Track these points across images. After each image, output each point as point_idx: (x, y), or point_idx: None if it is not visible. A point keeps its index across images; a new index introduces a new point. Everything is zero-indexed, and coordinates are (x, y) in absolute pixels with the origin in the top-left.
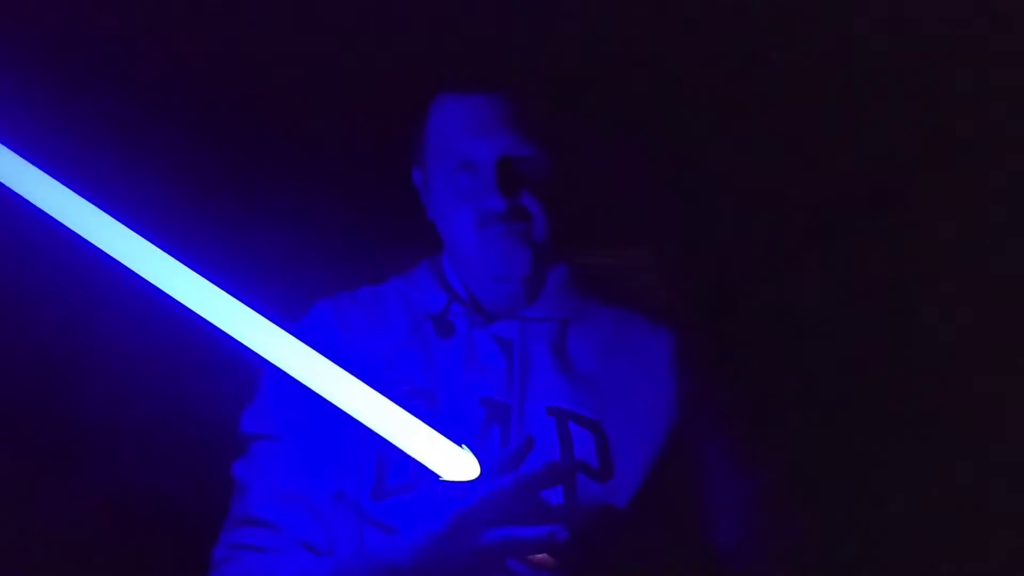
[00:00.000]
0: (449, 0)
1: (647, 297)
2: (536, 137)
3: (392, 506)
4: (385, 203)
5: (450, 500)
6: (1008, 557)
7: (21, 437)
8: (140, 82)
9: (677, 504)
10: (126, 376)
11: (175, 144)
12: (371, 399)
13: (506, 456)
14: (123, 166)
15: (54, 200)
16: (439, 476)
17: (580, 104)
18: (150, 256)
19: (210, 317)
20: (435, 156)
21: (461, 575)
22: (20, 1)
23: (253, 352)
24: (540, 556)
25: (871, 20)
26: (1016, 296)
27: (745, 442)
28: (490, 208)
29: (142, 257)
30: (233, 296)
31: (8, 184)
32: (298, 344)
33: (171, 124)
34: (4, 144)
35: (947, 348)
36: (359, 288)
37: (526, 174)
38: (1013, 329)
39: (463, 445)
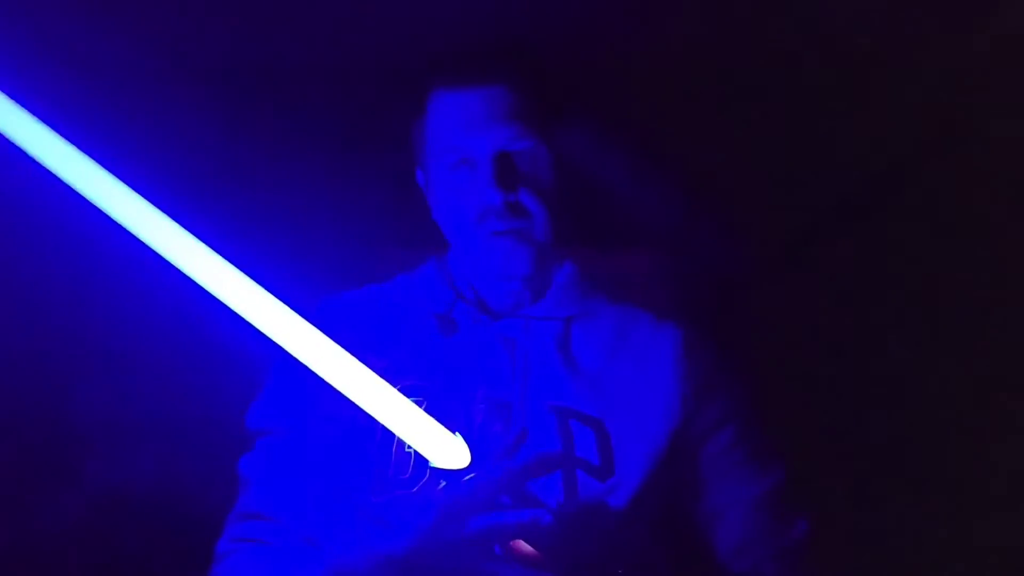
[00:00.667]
0: None
1: (650, 296)
2: (535, 131)
3: (393, 502)
4: (395, 202)
5: (440, 490)
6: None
7: (22, 432)
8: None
9: (679, 503)
10: (127, 372)
11: (188, 138)
12: (368, 381)
13: (499, 448)
14: (138, 147)
15: (63, 161)
16: (430, 462)
17: (579, 100)
18: (159, 227)
19: (213, 288)
20: (434, 154)
21: (454, 564)
22: None
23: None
24: (525, 547)
25: (867, 19)
26: (1016, 296)
27: (750, 441)
28: (488, 205)
29: (149, 224)
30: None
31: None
32: (298, 320)
33: (179, 125)
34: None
35: (954, 348)
36: (365, 285)
37: (525, 169)
38: (1012, 329)
39: (456, 433)
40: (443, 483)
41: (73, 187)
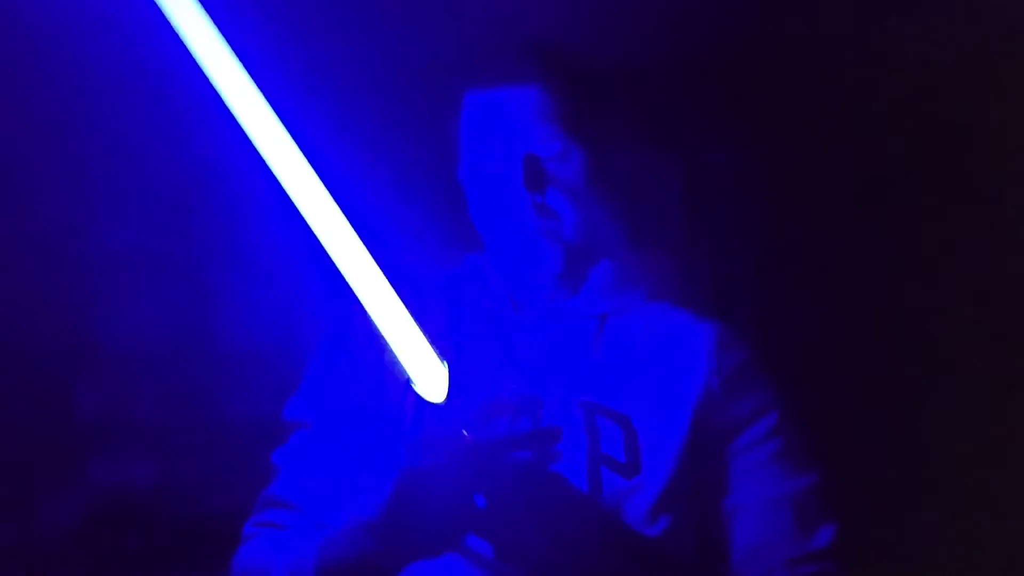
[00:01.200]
0: None
1: (690, 295)
2: (568, 132)
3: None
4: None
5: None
6: None
7: (23, 432)
8: None
9: (702, 503)
10: (129, 372)
11: None
12: (383, 290)
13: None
14: None
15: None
16: (411, 382)
17: (611, 99)
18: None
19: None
20: (468, 154)
21: (424, 522)
22: None
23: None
24: None
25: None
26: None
27: (779, 441)
28: (517, 204)
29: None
30: None
31: None
32: (330, 204)
33: None
34: None
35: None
36: (413, 283)
37: (555, 170)
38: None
39: (445, 362)
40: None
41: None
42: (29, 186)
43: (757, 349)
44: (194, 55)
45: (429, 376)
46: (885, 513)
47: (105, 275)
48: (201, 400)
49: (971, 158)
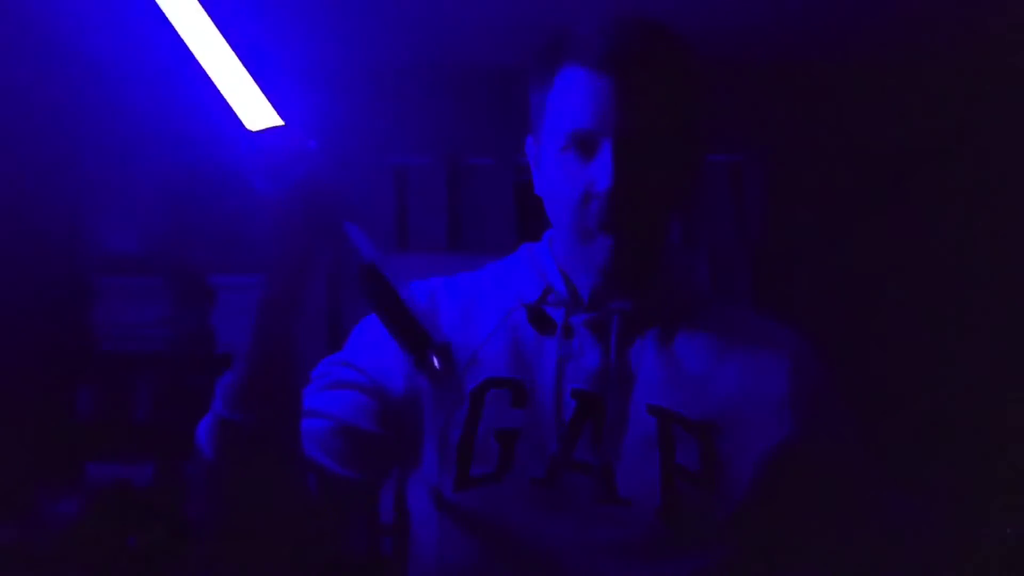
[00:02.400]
0: None
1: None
2: (664, 125)
3: (473, 496)
4: None
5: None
6: None
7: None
8: None
9: (777, 528)
10: (129, 371)
11: None
12: (217, 41)
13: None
14: None
15: None
16: (246, 121)
17: (696, 97)
18: None
19: None
20: (551, 129)
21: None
22: None
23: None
24: None
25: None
26: None
27: (856, 473)
28: (594, 191)
29: None
30: None
31: None
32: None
33: None
34: None
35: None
36: (457, 275)
37: (642, 162)
38: None
39: (281, 125)
40: None
41: None
42: (29, 187)
43: (832, 365)
44: (195, 48)
45: (256, 112)
46: None
47: (105, 275)
48: (201, 400)
49: (971, 160)
